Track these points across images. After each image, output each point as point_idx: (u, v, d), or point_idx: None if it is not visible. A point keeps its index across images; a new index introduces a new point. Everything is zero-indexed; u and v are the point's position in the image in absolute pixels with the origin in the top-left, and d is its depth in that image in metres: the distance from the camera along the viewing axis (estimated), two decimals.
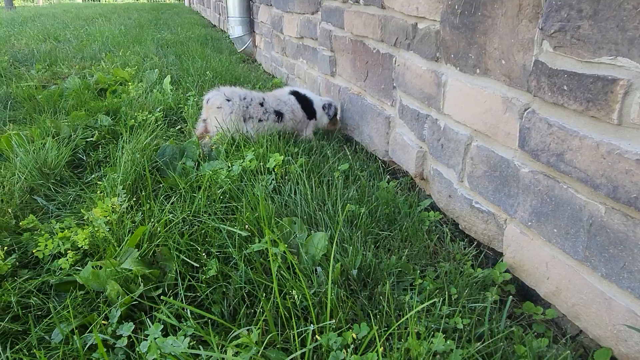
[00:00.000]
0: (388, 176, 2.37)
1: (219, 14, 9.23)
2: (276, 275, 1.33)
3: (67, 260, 1.52)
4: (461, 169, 1.88)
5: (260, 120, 2.63)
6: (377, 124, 2.61)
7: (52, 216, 1.90)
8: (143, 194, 1.92)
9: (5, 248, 1.53)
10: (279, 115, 2.72)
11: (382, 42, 2.48)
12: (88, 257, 1.59)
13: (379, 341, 1.02)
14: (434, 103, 2.03)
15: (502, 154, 1.63)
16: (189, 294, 1.38)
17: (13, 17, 9.73)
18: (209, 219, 1.67)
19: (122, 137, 2.42)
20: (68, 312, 1.25)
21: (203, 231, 1.60)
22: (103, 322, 1.21)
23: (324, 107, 2.97)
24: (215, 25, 9.68)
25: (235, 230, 1.50)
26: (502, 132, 1.62)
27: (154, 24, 8.98)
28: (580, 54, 1.25)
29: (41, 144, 2.31)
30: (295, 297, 1.18)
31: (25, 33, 6.91)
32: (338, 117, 3.10)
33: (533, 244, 1.52)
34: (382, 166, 2.53)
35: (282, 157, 2.02)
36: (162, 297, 1.23)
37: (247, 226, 1.52)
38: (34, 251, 1.56)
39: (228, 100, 2.56)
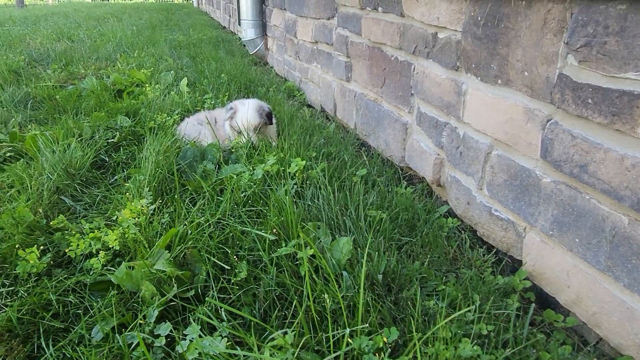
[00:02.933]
0: (405, 182, 2.41)
1: (229, 15, 9.29)
2: (306, 278, 1.37)
3: (98, 260, 1.57)
4: (480, 177, 1.91)
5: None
6: (393, 130, 2.64)
7: (79, 216, 1.95)
8: (168, 196, 1.96)
9: (41, 248, 1.58)
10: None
11: (400, 50, 2.52)
12: (118, 257, 1.64)
13: (414, 346, 1.05)
14: (454, 111, 2.06)
15: (523, 164, 1.67)
16: (220, 295, 1.42)
17: (26, 16, 9.84)
18: (235, 222, 1.71)
19: (145, 139, 2.46)
20: (107, 311, 1.30)
21: (230, 234, 1.64)
22: (140, 321, 1.25)
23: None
24: (225, 27, 9.74)
25: (263, 234, 1.54)
26: (523, 142, 1.66)
27: (165, 24, 9.06)
28: (606, 69, 1.29)
29: (66, 144, 2.36)
30: (327, 300, 1.21)
31: (40, 32, 7.00)
32: (240, 121, 2.64)
33: (554, 252, 1.55)
34: (398, 172, 2.57)
35: (304, 162, 2.06)
36: (204, 298, 1.27)
37: (274, 230, 1.56)
38: (66, 250, 1.60)
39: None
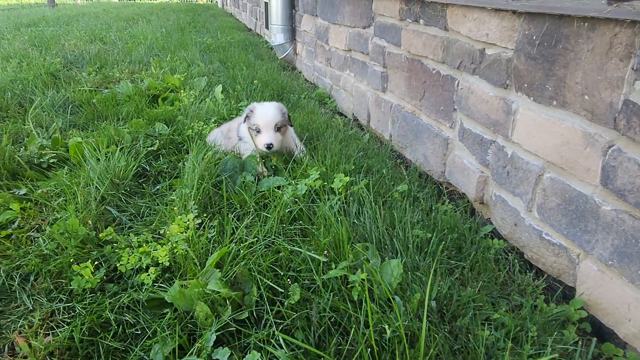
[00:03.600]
0: (447, 199, 2.37)
1: (256, 18, 9.34)
2: (361, 305, 1.36)
3: (149, 276, 1.58)
4: (530, 198, 1.87)
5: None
6: (433, 145, 2.61)
7: (125, 227, 1.97)
8: (213, 209, 1.97)
9: (96, 263, 1.60)
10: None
11: (443, 64, 2.48)
12: (167, 272, 1.65)
13: None
14: (501, 130, 2.02)
15: (580, 189, 1.62)
16: (273, 318, 1.41)
17: (58, 16, 10.05)
18: (283, 240, 1.70)
19: (185, 148, 2.47)
20: (163, 332, 1.30)
21: (279, 254, 1.63)
22: (197, 344, 1.26)
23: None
24: (251, 29, 9.79)
25: (315, 256, 1.53)
26: (581, 167, 1.61)
27: (192, 26, 9.15)
28: None
29: (109, 152, 2.39)
30: (387, 330, 1.20)
31: (73, 33, 7.13)
32: (259, 118, 2.51)
33: (613, 283, 1.50)
34: (437, 187, 2.54)
35: (348, 178, 2.04)
36: (258, 321, 1.26)
37: (326, 252, 1.55)
38: (118, 265, 1.62)
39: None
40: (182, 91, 3.77)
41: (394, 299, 1.46)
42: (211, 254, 1.66)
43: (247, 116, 2.57)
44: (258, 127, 2.53)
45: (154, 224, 1.94)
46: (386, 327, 1.19)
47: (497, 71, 2.02)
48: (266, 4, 7.52)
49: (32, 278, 1.60)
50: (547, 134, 1.76)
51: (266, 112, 2.53)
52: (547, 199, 1.78)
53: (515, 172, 1.96)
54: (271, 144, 2.48)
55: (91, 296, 1.52)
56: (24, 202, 2.05)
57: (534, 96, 1.81)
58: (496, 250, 1.92)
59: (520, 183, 1.93)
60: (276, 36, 5.89)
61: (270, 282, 1.48)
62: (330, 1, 4.29)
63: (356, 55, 3.80)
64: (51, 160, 2.58)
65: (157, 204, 2.13)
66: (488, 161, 2.15)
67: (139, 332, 1.38)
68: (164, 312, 1.45)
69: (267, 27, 7.84)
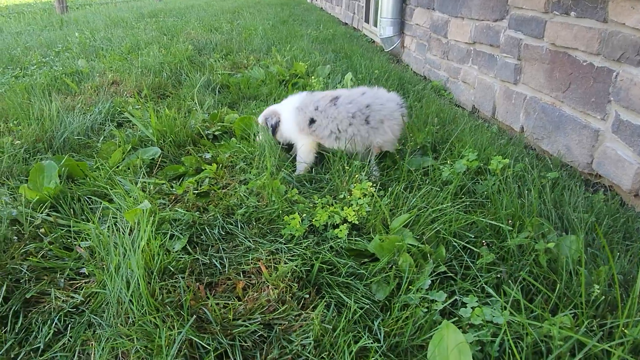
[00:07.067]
0: (596, 189, 2.39)
1: (353, 12, 9.53)
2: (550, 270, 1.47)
3: (341, 230, 1.80)
4: None
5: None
6: (579, 136, 2.62)
7: (300, 192, 2.22)
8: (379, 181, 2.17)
9: (302, 217, 1.86)
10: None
11: (597, 56, 2.49)
12: (355, 230, 1.86)
13: None
14: None
15: None
16: (467, 272, 1.57)
17: (170, 8, 10.92)
18: (458, 210, 1.86)
19: None
20: (382, 275, 1.51)
21: (453, 220, 1.79)
22: (413, 287, 1.45)
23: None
24: (346, 23, 10.01)
25: (500, 224, 1.67)
26: None
27: (292, 19, 9.54)
28: None
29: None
30: (595, 290, 1.31)
31: (190, 24, 7.75)
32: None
33: None
34: (581, 177, 2.56)
35: (507, 160, 2.15)
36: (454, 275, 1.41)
37: (509, 220, 1.68)
38: (313, 221, 1.86)
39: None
40: (312, 77, 4.04)
41: (578, 269, 1.56)
42: (390, 218, 1.85)
43: None
44: None
45: (325, 190, 2.18)
46: (595, 287, 1.30)
47: None
48: None
49: (243, 225, 1.89)
50: None
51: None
52: None
53: None
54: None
55: (302, 242, 1.77)
56: (211, 164, 2.37)
57: None
58: None
59: None
60: (385, 29, 6.03)
61: (458, 245, 1.64)
62: None
63: (482, 48, 3.84)
64: (216, 132, 2.93)
65: (319, 174, 2.37)
66: None
67: (357, 272, 1.60)
68: (363, 261, 1.66)
69: (367, 20, 8.02)
